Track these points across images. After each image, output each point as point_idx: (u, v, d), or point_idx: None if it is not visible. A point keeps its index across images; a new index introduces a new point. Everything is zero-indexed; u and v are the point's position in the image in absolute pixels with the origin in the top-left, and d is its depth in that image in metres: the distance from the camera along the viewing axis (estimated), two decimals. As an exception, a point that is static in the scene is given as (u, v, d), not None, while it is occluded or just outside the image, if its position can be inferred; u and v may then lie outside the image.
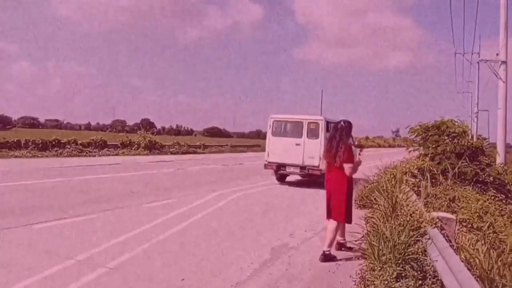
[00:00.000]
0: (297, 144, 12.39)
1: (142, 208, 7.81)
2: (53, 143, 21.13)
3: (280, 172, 12.74)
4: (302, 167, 12.19)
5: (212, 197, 9.33)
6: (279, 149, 12.63)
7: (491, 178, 12.67)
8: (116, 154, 22.66)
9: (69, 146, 21.52)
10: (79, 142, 22.44)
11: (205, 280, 4.32)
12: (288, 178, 13.32)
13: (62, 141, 21.62)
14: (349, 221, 5.36)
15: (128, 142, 25.13)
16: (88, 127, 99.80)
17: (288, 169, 12.54)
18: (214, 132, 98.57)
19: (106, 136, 27.27)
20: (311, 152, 12.15)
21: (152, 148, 25.57)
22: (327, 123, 12.25)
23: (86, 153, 21.59)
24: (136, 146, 24.98)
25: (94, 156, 21.17)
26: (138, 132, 26.85)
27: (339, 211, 5.16)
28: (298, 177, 13.36)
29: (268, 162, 12.60)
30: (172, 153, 26.13)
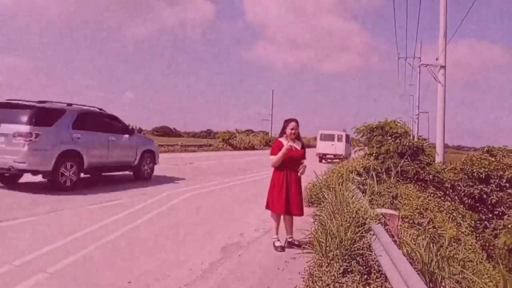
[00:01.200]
0: (332, 144, 27.30)
1: (85, 210, 7.49)
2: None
3: (322, 157, 27.69)
4: (334, 155, 27.10)
5: (162, 197, 9.13)
6: (322, 147, 27.69)
7: (430, 176, 13.38)
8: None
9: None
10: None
11: (153, 282, 4.21)
12: (261, 176, 13.81)
13: None
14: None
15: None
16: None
17: (328, 156, 27.58)
18: (164, 131, 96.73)
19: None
20: (338, 148, 27.10)
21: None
22: (346, 135, 27.86)
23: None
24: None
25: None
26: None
27: (299, 205, 5.50)
28: (261, 176, 13.88)
29: (318, 153, 27.73)
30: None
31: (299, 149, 5.52)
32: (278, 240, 5.62)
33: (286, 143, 5.40)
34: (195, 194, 9.94)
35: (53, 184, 9.07)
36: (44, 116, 8.82)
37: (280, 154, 5.31)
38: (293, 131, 5.43)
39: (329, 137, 27.69)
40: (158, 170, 13.24)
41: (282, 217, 5.63)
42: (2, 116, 8.72)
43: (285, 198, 5.35)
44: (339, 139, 27.49)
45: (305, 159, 5.64)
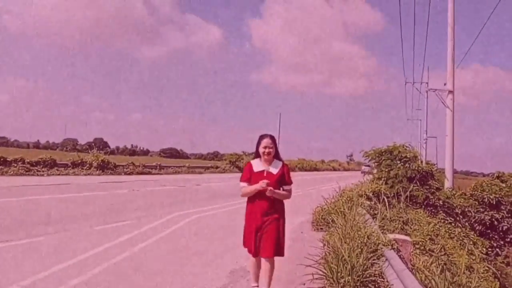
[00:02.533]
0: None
1: (92, 231, 7.43)
2: (-2, 161, 19.97)
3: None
4: None
5: (167, 220, 9.05)
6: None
7: (440, 202, 13.19)
8: (66, 174, 21.70)
9: (15, 165, 20.39)
10: (26, 160, 21.32)
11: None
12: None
13: (8, 159, 20.46)
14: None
15: (79, 161, 24.13)
16: (37, 145, 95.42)
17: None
18: (171, 153, 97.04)
19: (56, 155, 26.10)
20: None
21: (105, 168, 24.69)
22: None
23: (34, 172, 20.53)
24: (88, 166, 24.03)
25: (43, 175, 20.16)
26: (90, 152, 25.86)
27: (272, 244, 4.10)
28: None
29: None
30: (126, 173, 25.33)
31: (275, 172, 4.20)
32: None
33: (258, 165, 4.26)
34: (202, 216, 9.85)
35: None
36: None
37: (252, 188, 4.12)
38: (267, 150, 4.15)
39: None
40: (163, 191, 13.19)
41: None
42: None
43: (255, 235, 4.11)
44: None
45: (290, 184, 4.29)
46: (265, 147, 4.18)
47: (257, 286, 4.30)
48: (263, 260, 4.14)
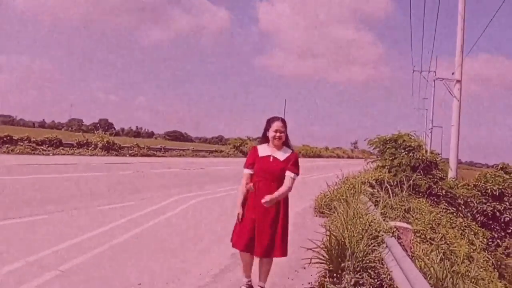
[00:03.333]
0: None
1: (96, 211, 7.54)
2: (4, 139, 20.09)
3: None
4: None
5: (172, 201, 9.15)
6: None
7: (443, 192, 13.21)
8: (72, 154, 21.83)
9: (21, 143, 20.53)
10: (32, 139, 21.46)
11: (163, 285, 4.21)
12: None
13: (14, 138, 20.59)
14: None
15: (85, 142, 24.24)
16: (42, 124, 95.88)
17: None
18: (175, 136, 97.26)
19: (62, 135, 26.20)
20: None
21: (110, 149, 24.79)
22: None
23: (40, 151, 20.67)
24: (93, 146, 24.15)
25: (48, 155, 20.30)
26: (95, 132, 25.96)
27: (267, 242, 3.71)
28: None
29: None
30: (131, 155, 25.47)
31: (282, 159, 3.78)
32: (248, 285, 4.06)
33: (265, 149, 3.86)
34: (206, 199, 9.94)
35: None
36: None
37: (239, 198, 3.83)
38: (278, 134, 3.75)
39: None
40: (168, 174, 13.27)
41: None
42: None
43: (249, 229, 3.71)
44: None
45: (295, 173, 3.77)
46: (276, 131, 3.75)
47: (250, 281, 4.04)
48: (260, 259, 3.80)
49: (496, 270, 10.19)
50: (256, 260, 3.92)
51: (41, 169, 13.50)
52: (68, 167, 14.81)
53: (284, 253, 3.79)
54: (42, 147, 21.38)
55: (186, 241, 6.07)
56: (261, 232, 3.67)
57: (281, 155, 3.80)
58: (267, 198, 3.51)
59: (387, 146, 14.69)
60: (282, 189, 3.66)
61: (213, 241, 6.19)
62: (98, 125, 36.39)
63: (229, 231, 3.92)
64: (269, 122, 3.84)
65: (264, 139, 3.90)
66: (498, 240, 14.56)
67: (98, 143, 24.38)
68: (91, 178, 12.29)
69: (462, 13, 17.91)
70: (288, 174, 3.73)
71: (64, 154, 21.17)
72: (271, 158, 3.79)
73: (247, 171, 3.87)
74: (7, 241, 5.21)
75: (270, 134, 3.79)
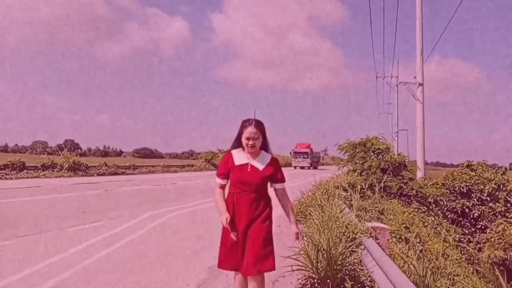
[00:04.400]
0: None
1: (64, 233, 7.19)
2: (-37, 165, 19.21)
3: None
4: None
5: (143, 219, 8.87)
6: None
7: (414, 192, 13.45)
8: (37, 177, 21.03)
9: (-19, 169, 19.64)
10: (-7, 164, 20.58)
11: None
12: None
13: (-27, 164, 19.69)
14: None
15: (50, 163, 23.44)
16: (5, 149, 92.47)
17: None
18: (145, 153, 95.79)
19: (26, 158, 25.27)
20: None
21: (77, 169, 24.06)
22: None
23: (2, 175, 19.82)
24: (58, 167, 23.37)
25: (12, 179, 19.48)
26: (61, 153, 25.15)
27: (255, 257, 3.23)
28: None
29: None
30: (99, 174, 24.78)
31: (261, 168, 3.33)
32: None
33: (241, 156, 3.37)
34: (179, 214, 9.70)
35: None
36: None
37: (220, 208, 3.33)
38: (250, 142, 3.27)
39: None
40: (138, 191, 12.89)
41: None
42: None
43: (233, 247, 3.30)
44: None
45: (283, 182, 3.46)
46: (248, 139, 3.26)
47: None
48: (248, 278, 3.30)
49: (470, 265, 10.39)
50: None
51: (3, 193, 12.87)
52: (32, 190, 14.20)
53: (271, 265, 3.27)
54: (4, 171, 20.55)
55: (161, 257, 5.86)
56: (248, 247, 3.23)
57: (260, 163, 3.33)
58: (297, 232, 3.43)
59: (357, 150, 14.88)
60: (291, 206, 3.50)
61: (189, 255, 6.01)
62: (63, 146, 35.30)
63: (204, 245, 3.65)
64: (242, 126, 3.34)
65: (238, 143, 3.38)
66: (469, 236, 14.91)
67: (64, 164, 23.63)
68: (57, 199, 11.81)
69: (420, 18, 18.51)
70: (279, 186, 3.42)
71: (28, 177, 20.38)
72: (249, 167, 3.30)
73: (220, 181, 3.38)
74: (-34, 271, 4.87)
75: (243, 141, 3.31)
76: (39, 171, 22.44)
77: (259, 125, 3.33)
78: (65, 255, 5.64)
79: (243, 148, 3.36)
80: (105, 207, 10.39)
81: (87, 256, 5.66)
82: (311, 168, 55.01)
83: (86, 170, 24.74)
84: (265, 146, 3.42)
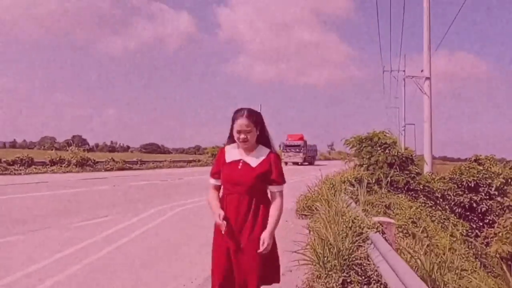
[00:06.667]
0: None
1: (73, 228, 7.27)
2: (-27, 161, 19.44)
3: None
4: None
5: (150, 214, 8.94)
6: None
7: (421, 186, 13.40)
8: (45, 172, 21.22)
9: (-9, 165, 19.85)
10: (2, 160, 20.77)
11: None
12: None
13: (-18, 159, 19.90)
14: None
15: (58, 159, 23.63)
16: (13, 145, 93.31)
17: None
18: (152, 148, 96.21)
19: (34, 154, 25.49)
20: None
21: (85, 165, 24.23)
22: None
23: (11, 171, 20.02)
24: (66, 163, 23.56)
25: (20, 174, 19.68)
26: (68, 149, 25.35)
27: (256, 271, 2.72)
28: None
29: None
30: (106, 169, 24.95)
31: (255, 164, 2.80)
32: None
33: (234, 152, 2.90)
34: (186, 209, 9.76)
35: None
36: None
37: (213, 209, 2.78)
38: (242, 136, 2.77)
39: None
40: (145, 186, 13.01)
41: None
42: None
43: (226, 262, 2.77)
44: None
45: (280, 184, 2.84)
46: (239, 132, 2.77)
47: None
48: None
49: (477, 260, 10.35)
50: None
51: (12, 188, 13.02)
52: (41, 186, 14.34)
53: (274, 279, 2.89)
54: (13, 167, 20.74)
55: (168, 252, 5.91)
56: (242, 262, 2.70)
57: (254, 159, 2.81)
58: (264, 239, 2.65)
59: (363, 145, 14.82)
60: (275, 214, 2.78)
61: (196, 250, 6.05)
62: (71, 141, 35.54)
63: (211, 240, 2.93)
64: (233, 117, 2.82)
65: (230, 138, 2.92)
66: (477, 231, 14.84)
67: (72, 159, 23.81)
68: (66, 195, 11.93)
69: (427, 11, 18.35)
70: (273, 189, 2.82)
71: (36, 173, 20.56)
72: (241, 164, 2.81)
73: (213, 182, 2.93)
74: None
75: (234, 135, 2.81)
76: (47, 166, 22.64)
77: (252, 116, 2.78)
78: (74, 250, 5.71)
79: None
80: (114, 202, 10.48)
81: (98, 250, 5.72)
82: (306, 164, 47.25)
83: (94, 166, 24.92)
84: (264, 140, 2.89)
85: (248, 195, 2.74)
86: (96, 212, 8.87)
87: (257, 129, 2.81)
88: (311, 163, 48.95)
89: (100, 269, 4.95)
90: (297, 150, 46.47)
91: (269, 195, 2.87)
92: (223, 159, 2.89)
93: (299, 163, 45.75)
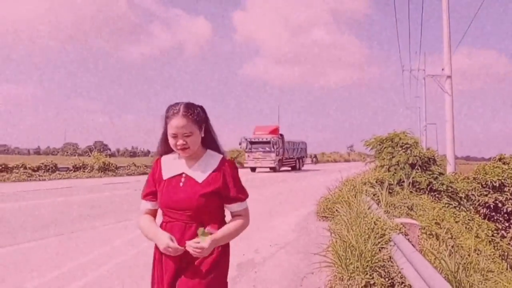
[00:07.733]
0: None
1: (98, 231, 7.42)
2: (0, 168, 19.99)
3: None
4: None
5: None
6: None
7: (444, 187, 13.16)
8: (68, 177, 21.70)
9: (17, 171, 20.39)
10: (28, 166, 21.31)
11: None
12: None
13: (9, 166, 20.46)
14: None
15: (80, 164, 24.13)
16: (37, 151, 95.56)
17: None
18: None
19: (57, 160, 26.11)
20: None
21: (107, 170, 24.68)
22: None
23: (36, 177, 20.53)
24: (89, 168, 24.04)
25: (44, 180, 20.16)
26: (91, 154, 25.87)
27: None
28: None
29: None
30: (128, 174, 25.34)
31: (202, 179, 2.01)
32: None
33: (173, 163, 2.10)
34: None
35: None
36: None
37: (151, 235, 2.08)
38: (180, 142, 1.97)
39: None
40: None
41: None
42: None
43: None
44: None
45: (241, 200, 2.08)
46: (175, 136, 1.97)
47: None
48: None
49: (504, 261, 10.12)
50: None
51: (37, 194, 13.34)
52: (65, 190, 14.66)
53: None
54: (38, 173, 21.26)
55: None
56: None
57: (200, 172, 2.03)
58: (204, 243, 1.88)
59: (384, 146, 14.67)
60: (231, 226, 2.06)
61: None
62: (93, 147, 36.12)
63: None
64: (165, 117, 2.02)
65: (166, 144, 2.09)
66: (503, 231, 14.49)
67: (94, 164, 24.28)
68: (89, 199, 12.16)
69: (446, 9, 18.07)
70: (234, 208, 2.08)
71: (60, 178, 21.03)
72: (183, 179, 2.04)
73: (147, 206, 2.21)
74: (5, 267, 5.09)
75: (170, 142, 2.01)
76: (70, 172, 23.14)
77: (190, 113, 1.98)
78: (99, 253, 5.82)
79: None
80: (136, 206, 10.63)
81: (121, 253, 5.82)
82: (288, 169, 33.92)
83: (116, 171, 25.34)
84: (211, 143, 2.12)
85: (195, 222, 1.98)
86: (120, 215, 9.01)
87: (200, 130, 2.02)
88: (294, 168, 35.19)
89: (127, 270, 5.04)
90: (267, 149, 30.78)
91: (227, 217, 2.11)
92: (159, 174, 2.11)
93: (271, 168, 31.07)
